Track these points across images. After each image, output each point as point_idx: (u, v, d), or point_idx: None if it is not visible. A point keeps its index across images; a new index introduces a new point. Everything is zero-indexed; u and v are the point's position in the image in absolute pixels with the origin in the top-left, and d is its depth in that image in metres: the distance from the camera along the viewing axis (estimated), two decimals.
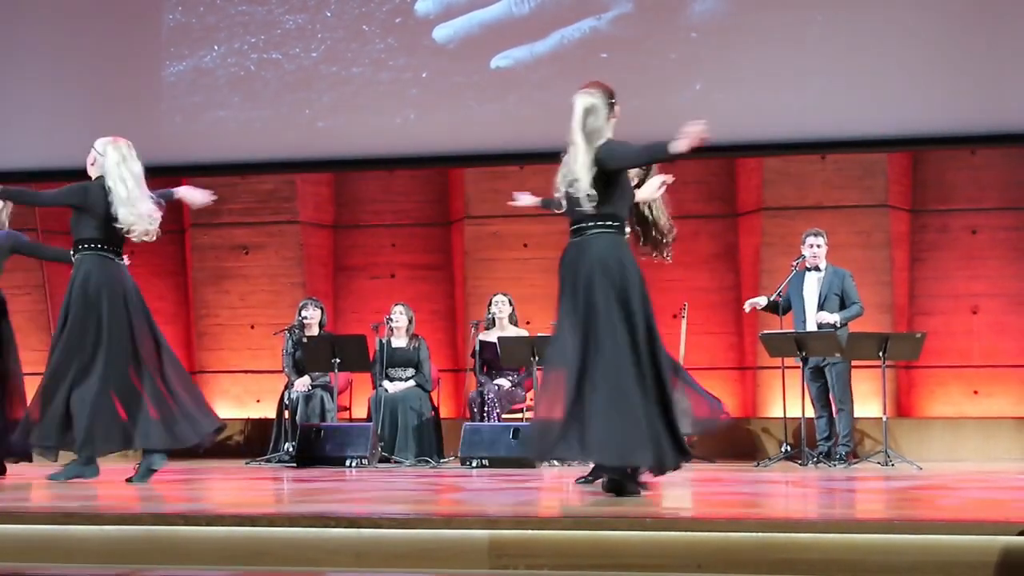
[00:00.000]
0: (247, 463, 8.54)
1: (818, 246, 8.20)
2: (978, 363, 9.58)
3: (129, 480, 6.00)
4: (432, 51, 9.03)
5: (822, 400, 8.20)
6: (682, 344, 8.91)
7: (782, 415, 8.47)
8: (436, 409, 8.73)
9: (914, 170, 9.83)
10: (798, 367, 8.10)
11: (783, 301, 8.32)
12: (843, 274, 8.18)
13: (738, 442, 9.29)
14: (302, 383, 8.73)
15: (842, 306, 8.12)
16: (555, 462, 7.24)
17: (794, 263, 8.28)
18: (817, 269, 8.23)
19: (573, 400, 4.86)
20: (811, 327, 8.10)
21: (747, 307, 8.52)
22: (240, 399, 10.31)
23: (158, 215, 6.18)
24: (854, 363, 8.22)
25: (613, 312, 4.91)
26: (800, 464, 7.87)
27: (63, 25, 9.45)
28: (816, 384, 8.20)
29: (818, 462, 7.92)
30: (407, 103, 9.04)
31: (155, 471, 6.07)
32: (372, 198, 10.61)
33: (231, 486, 6.28)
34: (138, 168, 6.25)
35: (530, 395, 8.61)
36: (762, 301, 8.37)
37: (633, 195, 5.39)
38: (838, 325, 8.00)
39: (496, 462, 7.72)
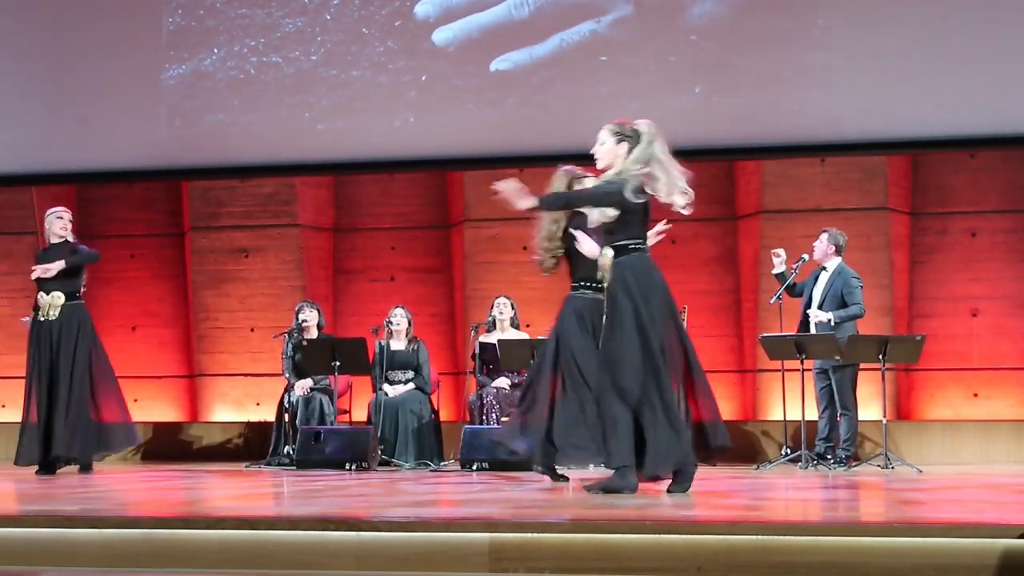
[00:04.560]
0: (247, 466, 8.53)
1: (819, 241, 8.20)
2: (978, 366, 9.59)
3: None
4: (432, 54, 9.03)
5: (825, 400, 8.18)
6: None
7: (782, 418, 8.47)
8: (436, 412, 8.73)
9: (913, 173, 9.84)
10: (798, 369, 8.10)
11: (799, 287, 8.31)
12: (846, 275, 8.13)
13: (738, 444, 9.29)
14: (302, 386, 8.72)
15: (843, 307, 8.09)
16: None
17: (794, 265, 8.28)
18: (824, 269, 8.21)
19: None
20: (812, 327, 8.10)
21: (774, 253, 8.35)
22: (240, 402, 10.31)
23: None
24: None
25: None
26: (800, 467, 7.87)
27: (62, 28, 9.45)
28: (822, 384, 8.19)
29: (816, 463, 7.91)
30: (406, 106, 9.05)
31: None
32: (372, 201, 10.61)
33: (231, 489, 6.27)
34: None
35: None
36: (782, 257, 8.26)
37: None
38: (832, 323, 7.98)
39: (496, 465, 7.72)
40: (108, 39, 9.40)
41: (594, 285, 5.92)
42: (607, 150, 5.48)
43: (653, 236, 5.84)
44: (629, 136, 5.42)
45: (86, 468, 7.75)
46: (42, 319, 7.71)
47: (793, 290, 8.35)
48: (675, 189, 5.30)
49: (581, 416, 5.76)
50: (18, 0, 9.61)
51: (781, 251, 8.33)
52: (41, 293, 7.72)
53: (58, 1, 9.51)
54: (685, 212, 5.32)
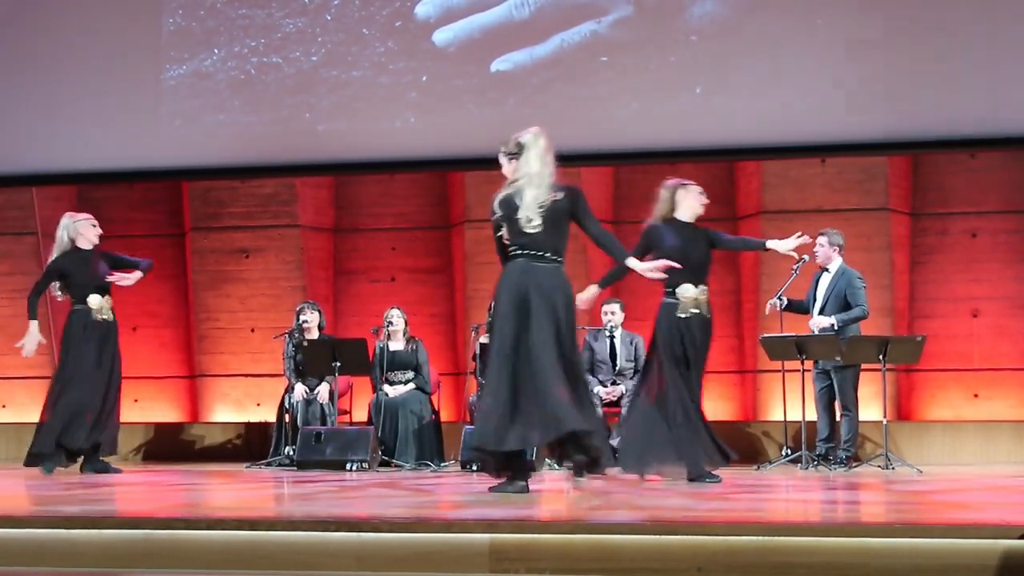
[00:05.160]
0: (247, 467, 8.53)
1: (820, 245, 8.18)
2: (978, 366, 9.59)
3: None
4: (432, 54, 9.03)
5: (825, 401, 8.17)
6: None
7: (782, 418, 8.47)
8: (436, 413, 8.73)
9: (914, 173, 9.84)
10: (798, 370, 8.09)
11: (804, 304, 8.27)
12: (849, 276, 8.11)
13: (738, 445, 9.28)
14: (300, 391, 8.71)
15: (846, 308, 8.08)
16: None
17: (794, 266, 8.26)
18: (826, 270, 8.20)
19: None
20: (816, 331, 8.09)
21: (767, 309, 8.38)
22: (240, 403, 10.31)
23: None
24: None
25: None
26: (800, 467, 7.87)
27: (63, 28, 9.45)
28: (822, 385, 8.18)
29: (817, 464, 7.91)
30: (407, 106, 9.05)
31: None
32: (372, 202, 10.61)
33: (231, 490, 6.27)
34: None
35: None
36: (778, 303, 8.22)
37: None
38: (835, 327, 7.98)
39: None
40: (108, 39, 9.39)
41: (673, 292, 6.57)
42: (507, 172, 5.78)
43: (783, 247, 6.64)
44: (514, 152, 5.70)
45: (104, 466, 7.85)
46: (99, 319, 7.91)
47: (800, 307, 8.27)
48: (533, 208, 5.57)
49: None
50: (18, 0, 9.61)
51: (776, 302, 8.26)
52: (95, 295, 7.91)
53: (58, 1, 9.51)
54: (529, 231, 5.58)
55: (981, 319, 9.65)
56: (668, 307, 6.58)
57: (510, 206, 5.61)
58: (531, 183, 5.57)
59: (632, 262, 5.83)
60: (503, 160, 5.77)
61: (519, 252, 5.62)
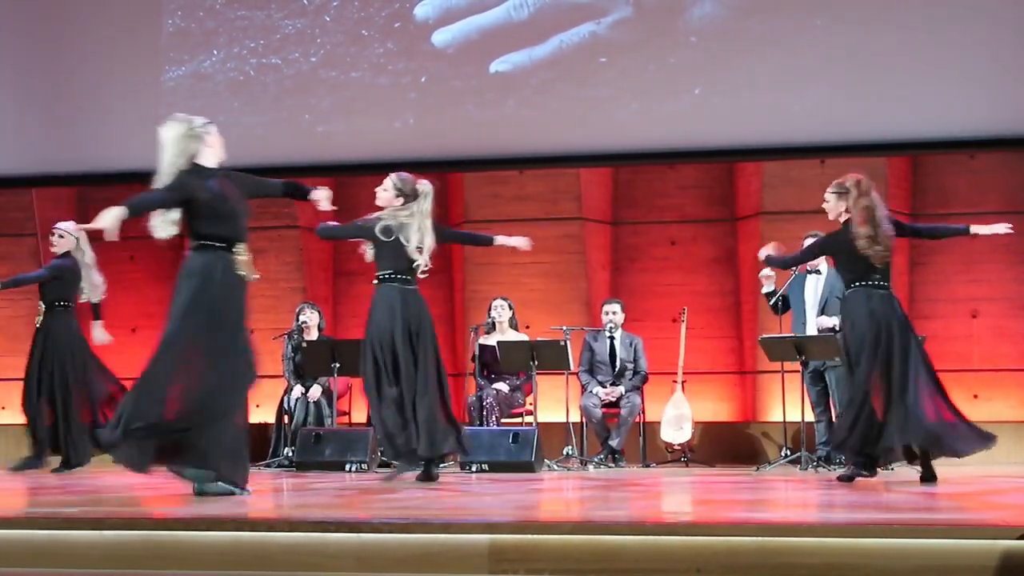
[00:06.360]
0: None
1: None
2: (978, 367, 9.58)
3: None
4: (431, 55, 9.04)
5: (822, 404, 8.17)
6: (682, 348, 8.91)
7: (782, 419, 8.47)
8: None
9: (913, 174, 9.83)
10: (798, 371, 8.09)
11: (781, 301, 8.26)
12: None
13: (738, 446, 9.29)
14: (313, 395, 8.71)
15: None
16: None
17: (795, 267, 8.26)
18: (818, 272, 8.20)
19: None
20: (811, 331, 8.08)
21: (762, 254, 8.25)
22: None
23: None
24: None
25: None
26: (800, 468, 7.86)
27: (63, 30, 9.46)
28: (816, 388, 8.18)
29: (818, 466, 7.90)
30: (406, 107, 9.05)
31: None
32: (371, 203, 10.56)
33: None
34: None
35: (529, 399, 8.61)
36: (769, 283, 8.12)
37: None
38: (837, 328, 7.97)
39: (496, 466, 7.72)
40: (108, 41, 9.40)
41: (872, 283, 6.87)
42: (387, 197, 6.76)
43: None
44: (407, 194, 6.70)
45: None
46: None
47: (777, 309, 8.28)
48: (418, 249, 6.59)
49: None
50: (18, 2, 9.61)
51: (772, 273, 8.19)
52: None
53: (58, 3, 9.51)
54: (422, 271, 6.70)
55: (981, 320, 9.65)
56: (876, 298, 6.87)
57: (389, 234, 6.54)
58: (416, 227, 6.58)
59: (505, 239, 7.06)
60: (392, 189, 6.69)
61: (389, 276, 6.58)
